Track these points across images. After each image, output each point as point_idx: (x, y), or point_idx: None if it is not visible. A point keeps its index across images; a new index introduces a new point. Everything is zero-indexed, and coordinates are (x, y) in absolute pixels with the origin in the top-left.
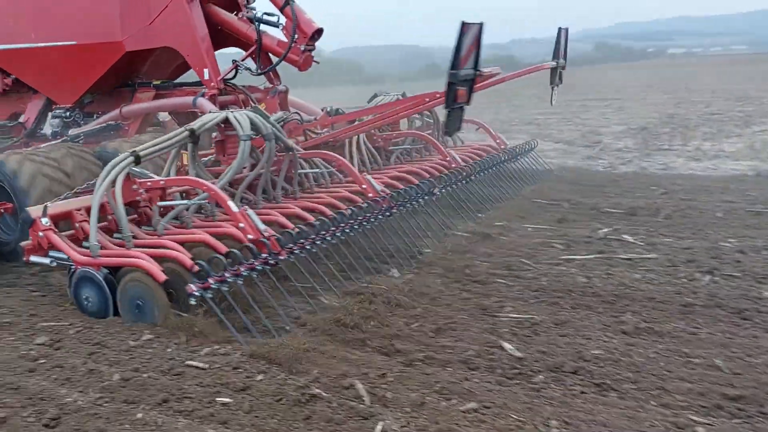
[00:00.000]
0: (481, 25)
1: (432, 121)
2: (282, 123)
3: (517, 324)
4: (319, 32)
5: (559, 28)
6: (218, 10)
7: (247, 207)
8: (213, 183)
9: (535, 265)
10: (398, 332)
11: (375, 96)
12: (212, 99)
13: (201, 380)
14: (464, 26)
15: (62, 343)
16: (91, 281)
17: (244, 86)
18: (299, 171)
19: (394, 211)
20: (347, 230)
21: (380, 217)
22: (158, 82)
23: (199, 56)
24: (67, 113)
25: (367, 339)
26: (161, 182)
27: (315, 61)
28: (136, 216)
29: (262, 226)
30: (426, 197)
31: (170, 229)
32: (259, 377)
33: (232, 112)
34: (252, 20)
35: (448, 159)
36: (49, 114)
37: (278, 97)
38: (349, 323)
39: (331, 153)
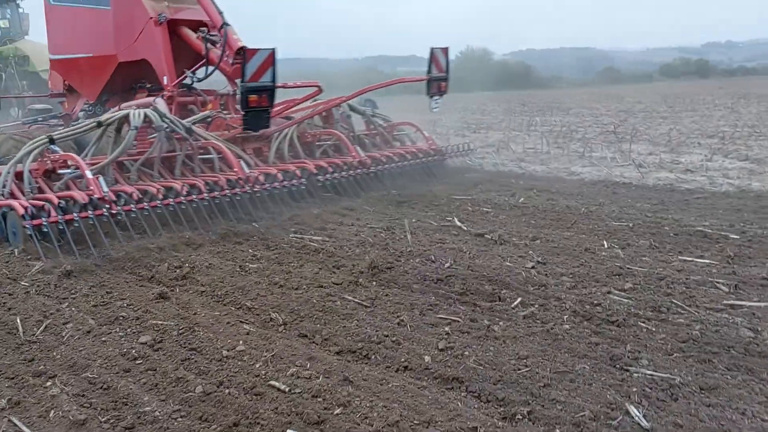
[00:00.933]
0: (272, 50)
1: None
2: (207, 119)
3: (651, 383)
4: (242, 50)
5: (431, 48)
6: (186, 31)
7: (100, 176)
8: (91, 159)
9: (688, 308)
10: (503, 375)
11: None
12: (169, 99)
13: (278, 405)
14: (248, 51)
15: (163, 344)
16: None
17: (203, 90)
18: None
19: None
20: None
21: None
22: (149, 85)
23: (161, 66)
24: (89, 107)
25: (465, 379)
26: (58, 157)
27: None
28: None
29: (105, 190)
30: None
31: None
32: (337, 410)
33: (135, 110)
34: (204, 39)
35: (353, 154)
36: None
37: (222, 98)
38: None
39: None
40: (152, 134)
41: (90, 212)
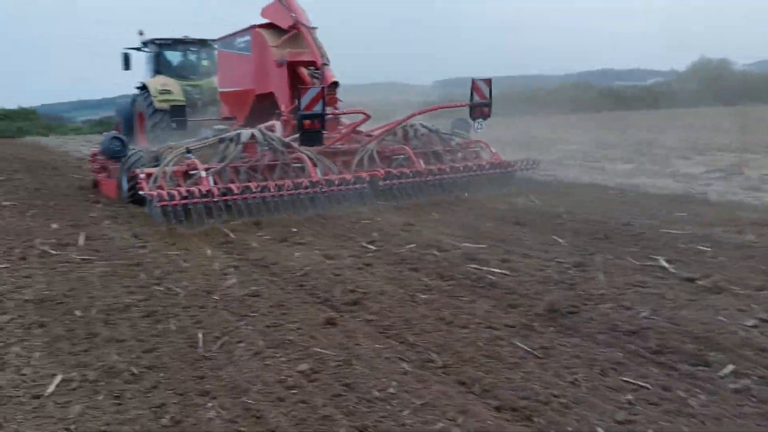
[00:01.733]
0: (322, 88)
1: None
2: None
3: None
4: (335, 83)
5: (473, 79)
6: (301, 69)
7: (210, 177)
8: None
9: None
10: None
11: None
12: (285, 122)
13: None
14: (302, 89)
15: (319, 375)
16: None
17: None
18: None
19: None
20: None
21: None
22: (277, 111)
23: (281, 97)
24: (240, 127)
25: None
26: (189, 163)
27: (339, 100)
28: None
29: (211, 185)
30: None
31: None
32: None
33: (246, 129)
34: (311, 75)
35: (416, 165)
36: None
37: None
38: None
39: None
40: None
41: (199, 199)
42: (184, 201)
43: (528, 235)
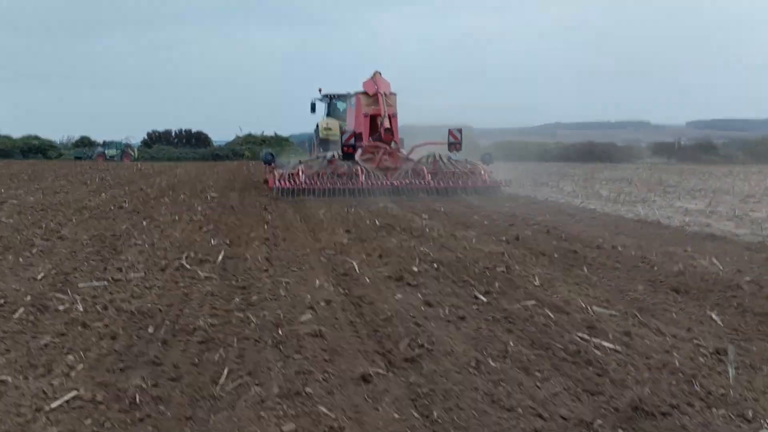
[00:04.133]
0: (352, 132)
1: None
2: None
3: None
4: (388, 129)
5: (449, 129)
6: (378, 119)
7: (304, 175)
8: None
9: None
10: None
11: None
12: (363, 149)
13: None
14: (341, 130)
15: None
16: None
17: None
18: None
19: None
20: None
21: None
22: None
23: (364, 135)
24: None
25: None
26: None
27: (393, 138)
28: None
29: (302, 179)
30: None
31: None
32: None
33: (333, 152)
34: (380, 123)
35: (426, 178)
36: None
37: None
38: None
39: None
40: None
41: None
42: (288, 186)
43: (680, 305)
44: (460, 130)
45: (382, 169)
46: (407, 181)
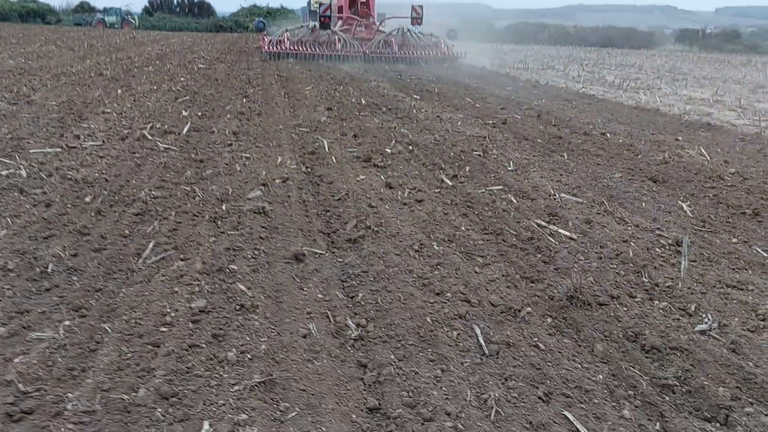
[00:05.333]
0: (329, 5)
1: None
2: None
3: None
4: (364, 2)
5: (412, 5)
6: None
7: (288, 42)
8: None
9: None
10: None
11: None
12: (342, 21)
13: None
14: (323, 6)
15: None
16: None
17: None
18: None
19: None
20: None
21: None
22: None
23: (345, 9)
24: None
25: None
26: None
27: (370, 13)
28: None
29: (288, 46)
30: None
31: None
32: None
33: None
34: None
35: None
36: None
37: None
38: None
39: None
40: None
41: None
42: (275, 50)
43: (654, 195)
44: (421, 7)
45: (358, 39)
46: (378, 51)
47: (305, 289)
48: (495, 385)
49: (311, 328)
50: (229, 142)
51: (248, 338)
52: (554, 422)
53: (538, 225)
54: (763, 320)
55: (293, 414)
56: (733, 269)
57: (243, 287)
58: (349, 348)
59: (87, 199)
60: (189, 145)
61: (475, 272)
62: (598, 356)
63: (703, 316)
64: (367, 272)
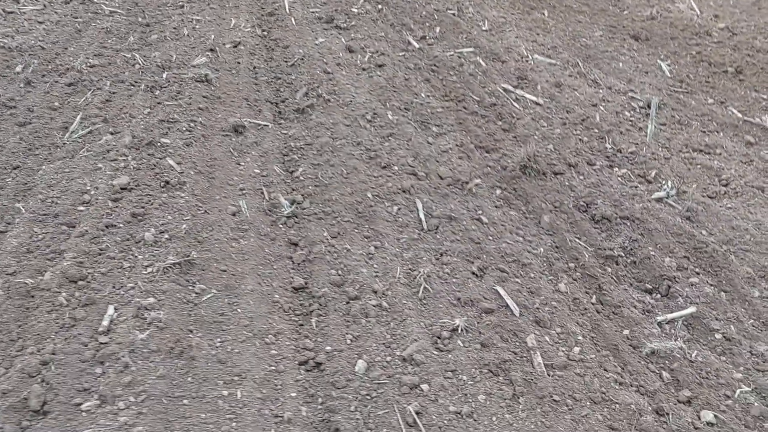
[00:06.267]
0: None
1: None
2: None
3: None
4: None
5: None
6: None
7: None
8: None
9: None
10: None
11: None
12: None
13: None
14: None
15: None
16: None
17: None
18: None
19: None
20: None
21: None
22: None
23: None
24: None
25: None
26: None
27: None
28: None
29: None
30: None
31: None
32: None
33: None
34: None
35: None
36: None
37: None
38: None
39: None
40: None
41: None
42: None
43: (633, 53)
44: None
45: None
46: None
47: (242, 163)
48: (428, 261)
49: (242, 205)
50: (180, 3)
51: (170, 217)
52: (484, 298)
53: (504, 90)
54: (725, 185)
55: (208, 296)
56: (704, 132)
57: (172, 162)
58: (280, 226)
59: (17, 69)
60: (137, 7)
61: (428, 143)
62: (544, 228)
63: (663, 182)
64: (312, 144)
